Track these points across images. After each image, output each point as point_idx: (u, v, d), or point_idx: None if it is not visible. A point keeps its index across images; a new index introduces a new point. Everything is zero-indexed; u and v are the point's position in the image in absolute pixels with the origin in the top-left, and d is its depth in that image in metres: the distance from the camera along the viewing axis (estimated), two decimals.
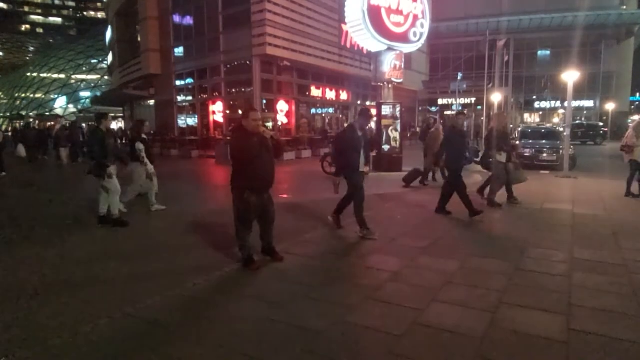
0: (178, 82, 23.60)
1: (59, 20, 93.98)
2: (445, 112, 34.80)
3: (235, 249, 4.46)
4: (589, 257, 4.60)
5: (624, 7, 35.50)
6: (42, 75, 54.95)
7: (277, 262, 4.43)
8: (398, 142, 13.14)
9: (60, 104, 54.06)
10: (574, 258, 4.59)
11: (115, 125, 38.77)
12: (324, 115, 25.03)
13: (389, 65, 13.22)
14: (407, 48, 13.88)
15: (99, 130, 6.22)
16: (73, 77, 53.99)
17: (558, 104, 37.19)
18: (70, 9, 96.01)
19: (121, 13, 28.16)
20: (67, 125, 20.05)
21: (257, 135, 4.06)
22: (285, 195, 8.71)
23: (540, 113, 39.13)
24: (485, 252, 4.82)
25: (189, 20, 22.10)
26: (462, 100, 27.07)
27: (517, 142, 14.66)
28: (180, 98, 24.12)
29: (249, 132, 4.06)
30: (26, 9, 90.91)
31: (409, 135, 26.59)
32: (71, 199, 8.78)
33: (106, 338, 2.94)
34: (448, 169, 7.11)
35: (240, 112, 21.36)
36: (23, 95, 55.04)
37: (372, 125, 10.06)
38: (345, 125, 6.48)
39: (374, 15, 12.25)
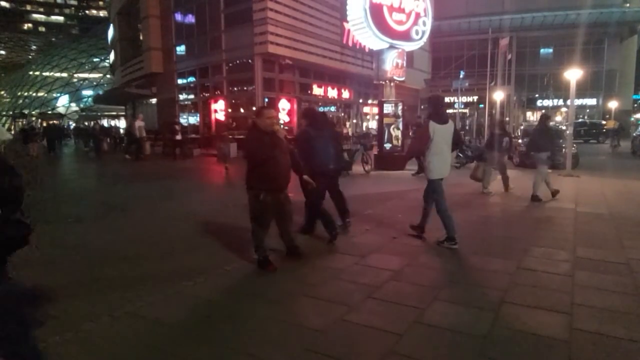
0: (180, 81, 23.61)
1: (61, 18, 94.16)
2: (447, 110, 34.69)
3: (235, 248, 4.46)
4: (591, 256, 4.57)
5: (627, 5, 35.33)
6: (44, 73, 55.07)
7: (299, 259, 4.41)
8: (400, 141, 13.13)
9: (63, 102, 54.21)
10: (576, 257, 4.56)
11: (118, 122, 38.86)
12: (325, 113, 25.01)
13: (391, 64, 13.18)
14: (409, 46, 13.84)
15: None
16: (75, 75, 54.10)
17: (561, 102, 37.06)
18: (72, 8, 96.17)
19: (123, 12, 28.18)
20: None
21: (270, 135, 3.96)
22: None
23: (543, 111, 39.00)
24: (487, 250, 4.80)
25: (190, 19, 22.09)
26: (464, 99, 27.00)
27: (519, 141, 14.66)
28: (182, 96, 24.14)
29: (262, 131, 3.97)
30: (28, 7, 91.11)
31: (410, 133, 26.49)
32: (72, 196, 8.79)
33: (108, 336, 2.94)
34: None
35: (242, 110, 21.45)
36: (25, 93, 55.22)
37: None
38: None
39: (376, 13, 12.21)
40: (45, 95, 53.98)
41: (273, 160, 3.96)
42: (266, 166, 3.95)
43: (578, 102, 33.76)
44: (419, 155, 5.03)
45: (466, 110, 33.91)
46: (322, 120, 5.67)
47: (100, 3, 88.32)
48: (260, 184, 4.03)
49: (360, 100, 26.82)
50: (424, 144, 4.92)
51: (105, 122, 40.84)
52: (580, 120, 30.45)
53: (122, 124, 39.14)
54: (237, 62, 20.02)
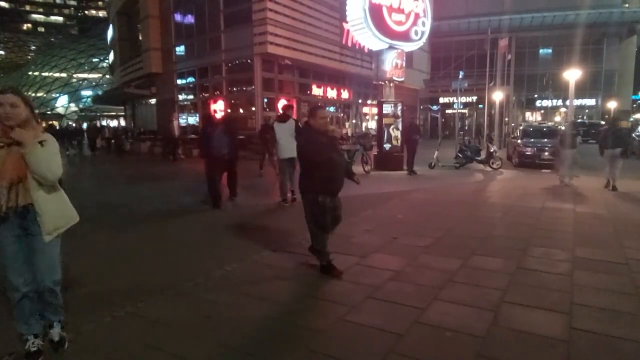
0: (179, 81, 23.62)
1: (60, 19, 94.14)
2: (447, 111, 34.76)
3: (236, 248, 4.46)
4: (591, 256, 4.58)
5: (627, 5, 35.36)
6: (43, 74, 55.10)
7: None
8: (400, 141, 13.12)
9: (62, 103, 54.20)
10: (576, 257, 4.58)
11: (117, 123, 38.84)
12: None
13: (391, 64, 13.18)
14: (409, 47, 13.85)
15: None
16: (75, 76, 54.13)
17: (560, 102, 37.09)
18: (72, 8, 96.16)
19: (123, 12, 28.21)
20: None
21: (325, 135, 3.86)
22: None
23: (542, 112, 39.03)
24: (487, 250, 4.81)
25: (190, 19, 22.11)
26: (464, 99, 27.07)
27: (519, 141, 14.68)
28: (181, 97, 24.15)
29: (317, 132, 3.85)
30: (28, 8, 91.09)
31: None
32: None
33: (109, 337, 2.95)
34: None
35: (241, 110, 21.45)
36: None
37: None
38: None
39: (376, 14, 12.22)
40: (45, 95, 53.96)
41: (331, 161, 3.82)
42: (323, 168, 3.78)
43: (577, 102, 33.75)
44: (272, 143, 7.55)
45: (465, 111, 33.95)
46: (216, 121, 7.91)
47: (100, 3, 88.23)
48: (317, 187, 3.85)
49: (360, 101, 26.84)
50: (272, 137, 7.62)
51: (104, 122, 40.84)
52: (579, 120, 30.42)
53: (122, 123, 39.12)
54: (237, 62, 20.04)
